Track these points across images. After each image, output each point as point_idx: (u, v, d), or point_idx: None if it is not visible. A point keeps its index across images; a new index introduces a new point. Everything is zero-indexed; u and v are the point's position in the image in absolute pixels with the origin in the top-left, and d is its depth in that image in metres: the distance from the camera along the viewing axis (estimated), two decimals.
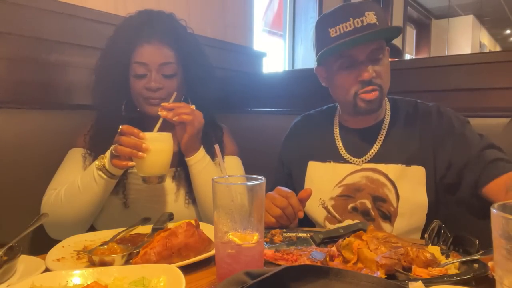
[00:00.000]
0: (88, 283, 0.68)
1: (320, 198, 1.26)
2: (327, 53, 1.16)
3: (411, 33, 8.11)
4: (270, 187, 1.16)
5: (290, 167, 1.39)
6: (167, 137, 1.13)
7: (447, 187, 1.16)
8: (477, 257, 0.77)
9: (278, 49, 3.76)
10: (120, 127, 1.10)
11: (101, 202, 1.21)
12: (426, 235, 0.92)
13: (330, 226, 1.23)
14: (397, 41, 1.51)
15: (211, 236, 0.83)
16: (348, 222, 1.20)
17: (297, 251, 0.88)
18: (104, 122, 1.30)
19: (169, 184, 1.31)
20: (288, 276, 0.58)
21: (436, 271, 0.75)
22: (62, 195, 1.18)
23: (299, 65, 3.63)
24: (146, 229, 1.09)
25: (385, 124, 1.26)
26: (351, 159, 1.25)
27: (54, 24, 1.57)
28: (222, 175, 0.84)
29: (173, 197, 1.31)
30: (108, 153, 1.14)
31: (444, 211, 1.18)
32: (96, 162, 1.16)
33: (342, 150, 1.28)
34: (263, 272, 0.58)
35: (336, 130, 1.32)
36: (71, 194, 1.17)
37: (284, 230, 1.08)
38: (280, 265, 0.84)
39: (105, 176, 1.14)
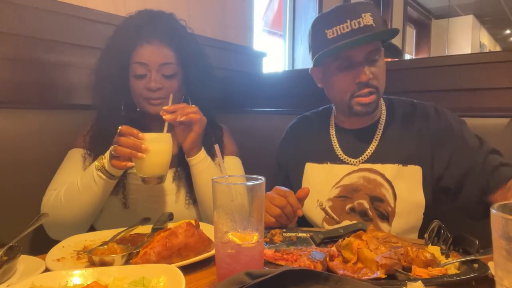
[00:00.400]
0: (88, 283, 0.68)
1: (318, 200, 1.26)
2: (325, 55, 1.16)
3: (411, 33, 8.11)
4: (268, 189, 1.16)
5: (287, 169, 1.39)
6: (166, 137, 1.13)
7: (445, 191, 1.16)
8: (477, 257, 0.77)
9: (278, 49, 3.76)
10: (120, 127, 1.10)
11: (101, 203, 1.21)
12: (426, 235, 0.92)
13: (328, 227, 1.22)
14: (397, 41, 1.51)
15: (211, 236, 0.83)
16: (346, 223, 1.20)
17: (297, 251, 0.88)
18: (104, 122, 1.30)
19: (169, 185, 1.31)
20: (288, 280, 0.58)
21: (436, 271, 0.75)
22: (62, 196, 1.18)
23: (299, 65, 3.63)
24: (146, 229, 1.09)
25: (381, 124, 1.26)
26: (347, 159, 1.25)
27: (54, 24, 1.57)
28: (222, 175, 0.84)
29: (174, 197, 1.31)
30: (107, 154, 1.14)
31: (442, 210, 1.17)
32: (96, 162, 1.16)
33: (339, 151, 1.28)
34: (264, 273, 0.58)
35: (332, 131, 1.32)
36: (71, 194, 1.18)
37: (284, 230, 1.08)
38: (280, 265, 0.84)
39: (104, 177, 1.14)
